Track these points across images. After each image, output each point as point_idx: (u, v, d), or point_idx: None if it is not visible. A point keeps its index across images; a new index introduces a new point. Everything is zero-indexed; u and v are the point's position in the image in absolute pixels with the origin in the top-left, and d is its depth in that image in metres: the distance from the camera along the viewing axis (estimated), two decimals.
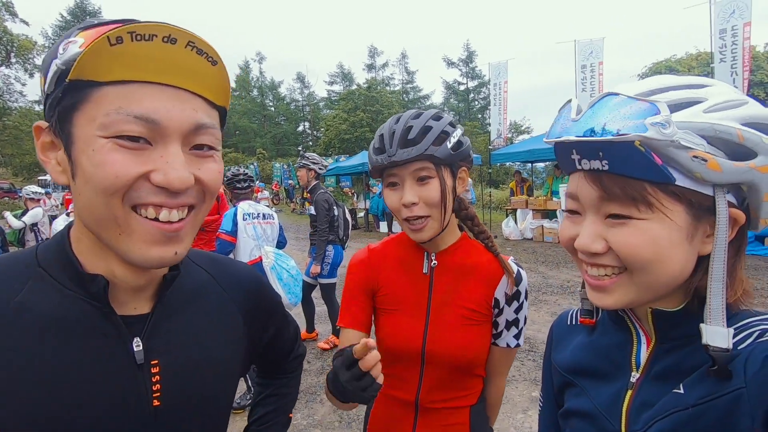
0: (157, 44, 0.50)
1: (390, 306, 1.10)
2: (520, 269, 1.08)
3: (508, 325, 1.08)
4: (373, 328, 1.14)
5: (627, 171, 0.54)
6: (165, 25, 0.50)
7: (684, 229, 0.55)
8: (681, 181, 0.53)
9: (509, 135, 16.16)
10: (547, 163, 15.56)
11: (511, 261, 1.09)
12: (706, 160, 0.52)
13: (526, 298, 1.09)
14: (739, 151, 0.53)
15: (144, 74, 0.51)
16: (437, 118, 1.01)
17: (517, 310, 1.08)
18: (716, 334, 0.53)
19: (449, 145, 0.98)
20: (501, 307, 1.07)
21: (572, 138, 0.56)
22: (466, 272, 1.07)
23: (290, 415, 0.97)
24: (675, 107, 0.53)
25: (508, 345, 1.09)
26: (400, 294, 1.09)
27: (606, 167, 0.55)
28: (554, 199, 10.28)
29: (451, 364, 1.05)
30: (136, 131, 0.51)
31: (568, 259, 8.21)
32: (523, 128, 39.17)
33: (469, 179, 1.26)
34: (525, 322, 1.10)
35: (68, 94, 0.51)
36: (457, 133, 1.01)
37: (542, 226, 10.24)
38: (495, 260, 1.08)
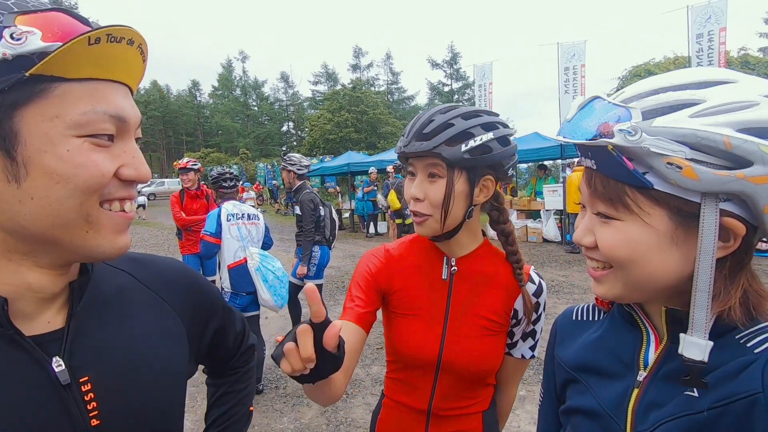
0: (122, 45, 0.51)
1: (404, 310, 1.04)
2: (542, 281, 1.05)
3: (525, 336, 1.05)
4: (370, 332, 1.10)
5: (609, 172, 0.57)
6: (130, 29, 0.52)
7: (665, 233, 0.55)
8: (660, 186, 0.53)
9: None
10: (531, 164, 15.77)
11: (532, 272, 1.05)
12: (681, 168, 0.50)
13: (544, 309, 1.06)
14: (734, 159, 0.50)
15: (108, 73, 0.52)
16: (469, 116, 0.93)
17: (535, 322, 1.05)
18: (694, 345, 0.54)
19: (465, 147, 0.90)
20: (519, 318, 1.04)
21: (561, 138, 0.60)
22: (486, 280, 1.03)
23: (251, 408, 0.94)
24: (661, 111, 0.53)
25: (522, 356, 1.07)
26: (416, 299, 1.04)
27: (594, 167, 0.58)
28: (538, 199, 10.41)
29: (467, 374, 1.02)
30: (109, 129, 0.52)
31: (552, 258, 8.31)
32: None
33: None
34: (540, 333, 1.07)
35: (19, 88, 0.46)
36: (485, 137, 0.91)
37: (526, 226, 10.35)
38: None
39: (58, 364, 0.54)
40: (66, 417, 0.54)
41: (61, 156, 0.48)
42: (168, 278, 0.74)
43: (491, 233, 1.17)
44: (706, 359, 0.53)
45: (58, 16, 0.49)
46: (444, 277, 1.03)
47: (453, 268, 1.03)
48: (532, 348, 1.07)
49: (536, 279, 1.04)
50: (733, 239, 0.54)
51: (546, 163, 11.33)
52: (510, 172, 1.00)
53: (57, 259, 0.54)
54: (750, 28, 33.02)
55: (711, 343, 0.54)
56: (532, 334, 1.06)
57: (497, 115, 0.98)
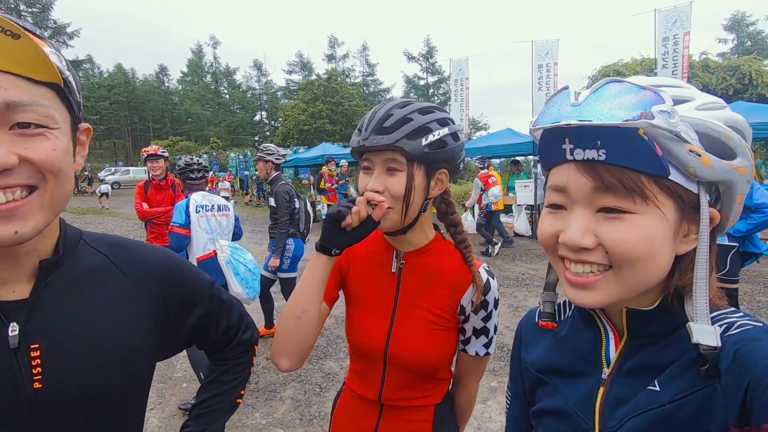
0: None
1: (357, 299, 1.09)
2: (491, 279, 1.05)
3: (477, 333, 1.05)
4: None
5: (625, 161, 0.53)
6: None
7: (673, 225, 0.55)
8: (674, 175, 0.53)
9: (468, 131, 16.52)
10: (503, 159, 16.02)
11: (482, 269, 1.05)
12: (699, 155, 0.52)
13: (495, 307, 1.05)
14: (722, 151, 0.54)
15: None
16: (425, 111, 0.96)
17: (486, 319, 1.04)
18: (704, 332, 0.53)
19: (425, 142, 0.93)
20: (467, 314, 1.04)
21: (573, 122, 0.53)
22: (434, 276, 1.04)
23: (238, 400, 0.96)
24: (674, 101, 0.53)
25: (477, 353, 1.07)
26: (367, 289, 1.08)
27: (603, 157, 0.53)
28: (510, 194, 10.60)
29: (413, 367, 1.02)
30: None
31: (523, 252, 8.49)
32: (480, 125, 40.17)
33: None
34: (495, 331, 1.07)
35: None
36: (441, 132, 0.95)
37: None
38: (465, 266, 1.05)
39: (12, 329, 0.61)
40: (10, 377, 0.60)
41: None
42: (144, 265, 0.77)
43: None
44: (719, 343, 0.52)
45: None
46: (393, 270, 1.06)
47: (401, 262, 1.05)
48: (486, 345, 1.07)
49: (484, 276, 1.04)
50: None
51: (518, 158, 11.53)
52: (461, 166, 1.05)
53: None
54: (710, 34, 34.67)
55: (718, 328, 0.54)
56: (485, 331, 1.05)
57: (447, 111, 1.02)
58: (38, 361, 0.62)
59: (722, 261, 3.52)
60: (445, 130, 0.96)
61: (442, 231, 1.14)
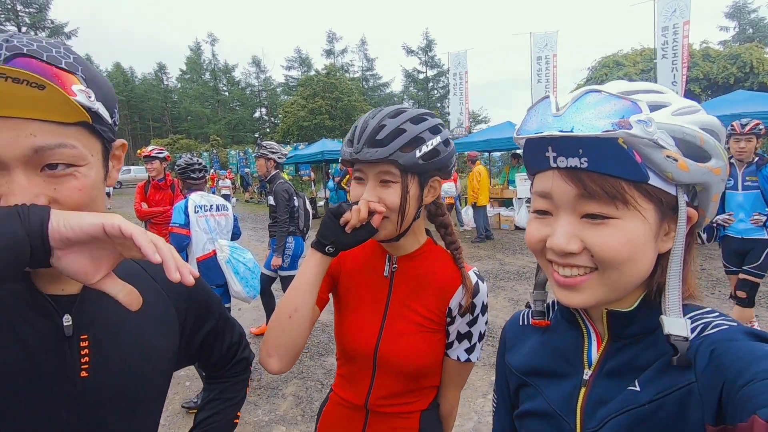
0: None
1: (348, 302, 1.09)
2: (480, 282, 1.05)
3: (460, 337, 1.05)
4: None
5: (606, 169, 0.55)
6: None
7: (654, 227, 0.57)
8: (653, 180, 0.55)
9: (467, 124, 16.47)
10: (503, 152, 16.00)
11: (472, 272, 1.05)
12: (676, 160, 0.54)
13: (483, 313, 1.04)
14: (697, 154, 0.56)
15: None
16: (417, 120, 0.95)
17: (471, 323, 1.04)
18: (675, 324, 0.56)
19: (419, 153, 0.93)
20: (453, 316, 1.04)
21: (555, 134, 0.55)
22: (425, 279, 1.05)
23: (235, 420, 0.99)
24: (651, 108, 0.55)
25: (458, 358, 1.06)
26: (359, 293, 1.08)
27: (585, 165, 0.55)
28: (510, 187, 10.59)
29: (402, 369, 1.03)
30: None
31: (524, 245, 8.49)
32: (480, 118, 39.98)
33: None
34: (480, 339, 1.06)
35: None
36: (434, 141, 0.95)
37: (499, 214, 10.53)
38: (456, 269, 1.06)
39: (66, 320, 0.66)
40: (62, 364, 0.65)
41: None
42: None
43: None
44: (689, 335, 0.55)
45: None
46: (385, 274, 1.07)
47: (394, 266, 1.06)
48: (468, 351, 1.05)
49: (474, 279, 1.04)
50: (687, 227, 0.59)
51: (519, 151, 11.49)
52: (453, 171, 1.06)
53: None
54: (711, 22, 34.34)
55: (689, 321, 0.56)
56: (468, 336, 1.05)
57: (435, 115, 1.01)
58: (86, 351, 0.67)
59: (757, 255, 3.65)
60: (437, 138, 0.96)
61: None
